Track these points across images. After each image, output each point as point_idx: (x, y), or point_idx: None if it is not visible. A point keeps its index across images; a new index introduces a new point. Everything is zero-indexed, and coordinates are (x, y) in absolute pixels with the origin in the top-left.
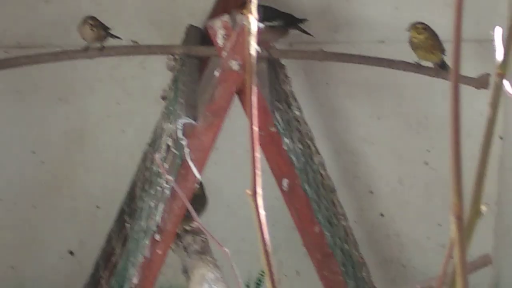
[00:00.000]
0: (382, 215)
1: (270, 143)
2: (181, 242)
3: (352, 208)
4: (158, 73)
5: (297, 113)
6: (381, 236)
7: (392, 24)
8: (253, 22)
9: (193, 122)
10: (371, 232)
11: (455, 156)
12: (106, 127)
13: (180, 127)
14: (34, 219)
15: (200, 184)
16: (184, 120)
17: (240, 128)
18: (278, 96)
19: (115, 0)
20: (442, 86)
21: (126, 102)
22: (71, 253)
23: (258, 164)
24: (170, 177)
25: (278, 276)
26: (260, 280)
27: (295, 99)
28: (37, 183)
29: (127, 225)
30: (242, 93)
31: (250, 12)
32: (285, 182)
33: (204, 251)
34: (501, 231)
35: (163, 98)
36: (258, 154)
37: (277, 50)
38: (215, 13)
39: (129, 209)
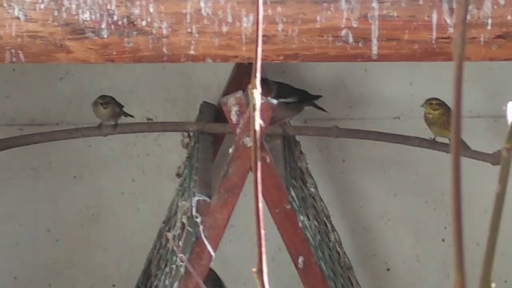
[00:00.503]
0: None
1: (285, 221)
2: None
3: (369, 286)
4: (173, 150)
5: (312, 190)
6: None
7: (407, 100)
8: (257, 97)
9: (207, 199)
10: None
11: (457, 232)
12: (121, 205)
13: (194, 205)
14: None
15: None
16: (198, 197)
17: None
18: (293, 173)
19: (129, 77)
20: None
21: (141, 179)
22: None
23: (263, 242)
24: (183, 256)
25: None
26: None
27: (311, 176)
28: (52, 261)
29: None
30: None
31: (255, 87)
32: (300, 259)
33: None
34: None
35: (178, 175)
36: (263, 231)
37: (291, 126)
38: (229, 90)
39: (146, 286)
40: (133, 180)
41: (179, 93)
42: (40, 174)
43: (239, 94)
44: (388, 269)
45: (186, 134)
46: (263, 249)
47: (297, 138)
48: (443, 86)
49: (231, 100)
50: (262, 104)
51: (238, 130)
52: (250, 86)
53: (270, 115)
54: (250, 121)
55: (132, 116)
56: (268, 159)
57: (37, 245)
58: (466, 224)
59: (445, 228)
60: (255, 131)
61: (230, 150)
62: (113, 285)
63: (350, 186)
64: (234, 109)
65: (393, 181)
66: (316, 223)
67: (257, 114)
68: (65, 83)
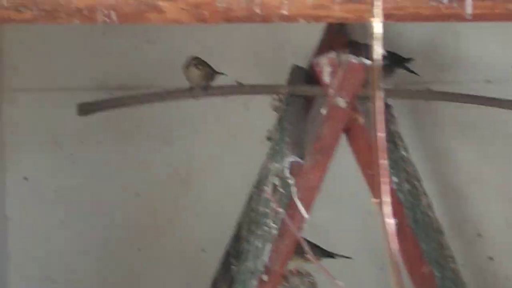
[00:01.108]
0: (490, 258)
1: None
2: (288, 283)
3: (460, 251)
4: (262, 113)
5: (404, 153)
6: (490, 280)
7: (499, 64)
8: (378, 26)
9: (300, 160)
10: (479, 276)
11: None
12: (211, 169)
13: (287, 166)
14: (138, 262)
15: None
16: (291, 158)
17: (345, 169)
18: (388, 137)
19: (219, 40)
20: None
21: (231, 144)
22: None
23: (384, 172)
24: (280, 210)
25: None
26: None
27: (402, 139)
28: (141, 226)
29: (233, 267)
30: (349, 131)
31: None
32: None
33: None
34: None
35: (269, 138)
36: (385, 161)
37: (383, 89)
38: (320, 52)
39: (235, 251)
40: (223, 144)
41: (268, 56)
42: (130, 138)
43: (332, 54)
44: (479, 234)
45: (276, 97)
46: (384, 179)
47: (389, 101)
48: None
49: (324, 60)
50: (355, 64)
51: (330, 91)
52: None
53: (363, 75)
54: (344, 81)
55: (225, 74)
56: (360, 120)
57: (126, 209)
58: None
59: None
60: (375, 60)
61: (323, 111)
62: (203, 250)
63: (441, 150)
64: (326, 70)
65: (485, 144)
66: (408, 186)
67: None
68: (154, 46)
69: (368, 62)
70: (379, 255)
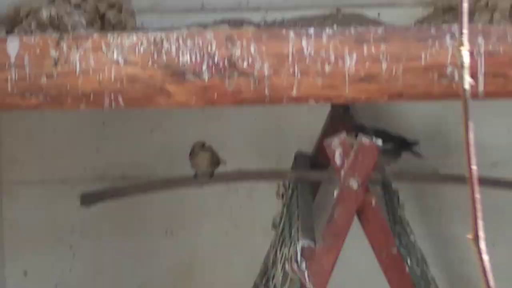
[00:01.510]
0: None
1: (392, 266)
2: None
3: None
4: (266, 202)
5: (412, 238)
6: None
7: (505, 146)
8: (466, 55)
9: (312, 245)
10: None
11: None
12: (214, 260)
13: (299, 250)
14: None
15: None
16: (302, 243)
17: (355, 252)
18: (394, 219)
19: (221, 129)
20: None
21: (234, 234)
22: None
23: (479, 206)
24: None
25: None
26: None
27: (409, 224)
28: None
29: None
30: (361, 213)
31: (463, 45)
32: None
33: None
34: None
35: (274, 226)
36: (478, 195)
37: (391, 173)
38: (325, 137)
39: None
40: (226, 234)
41: (271, 145)
42: (131, 230)
43: (343, 135)
44: None
45: (281, 183)
46: (479, 214)
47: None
48: None
49: (335, 141)
50: (367, 144)
51: (342, 173)
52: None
53: (375, 156)
54: (356, 162)
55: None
56: (373, 202)
57: None
58: None
59: None
60: (465, 90)
61: (335, 193)
62: None
63: (448, 237)
64: (338, 151)
65: (493, 230)
66: (419, 271)
67: (466, 72)
68: (156, 135)
69: (379, 143)
70: None
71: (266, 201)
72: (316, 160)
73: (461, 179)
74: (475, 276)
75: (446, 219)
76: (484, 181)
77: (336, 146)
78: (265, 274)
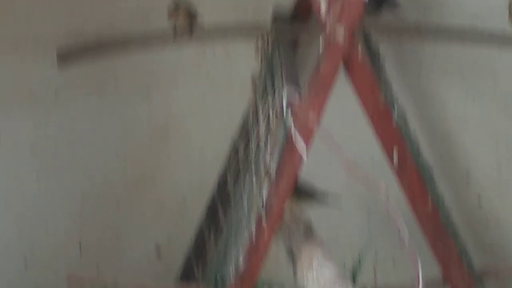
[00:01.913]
0: (480, 199)
1: (378, 116)
2: (283, 229)
3: (448, 193)
4: (243, 62)
5: (393, 94)
6: (480, 221)
7: (483, 7)
8: None
9: (297, 93)
10: (469, 217)
11: None
12: (190, 120)
13: (284, 97)
14: (118, 216)
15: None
16: (288, 91)
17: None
18: (379, 75)
19: None
20: None
21: (211, 93)
22: (158, 249)
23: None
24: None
25: (374, 266)
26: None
27: (389, 82)
28: (120, 179)
29: (220, 216)
30: (348, 65)
31: None
32: (395, 156)
33: (309, 231)
34: None
35: (254, 82)
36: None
37: (372, 26)
38: None
39: (222, 200)
40: (203, 94)
41: (248, 1)
42: (107, 92)
43: None
44: (468, 176)
45: (260, 37)
46: None
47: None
48: None
49: None
50: None
51: (328, 22)
52: None
53: (361, 7)
54: (342, 14)
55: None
56: (360, 54)
57: (105, 162)
58: None
59: None
60: None
61: (320, 46)
62: (184, 201)
63: (428, 93)
64: (323, 2)
65: (472, 86)
66: (403, 124)
67: None
68: None
69: None
70: (366, 199)
71: (244, 60)
72: (296, 14)
73: (444, 32)
74: (454, 131)
75: (426, 76)
76: (466, 36)
77: None
78: (245, 130)
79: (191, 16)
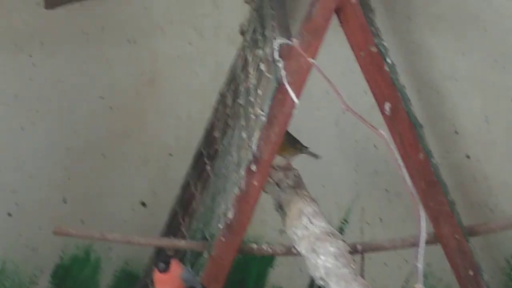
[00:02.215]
0: (468, 156)
1: (370, 64)
2: (272, 179)
3: (437, 148)
4: (230, 10)
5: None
6: (467, 178)
7: None
8: None
9: (289, 42)
10: (456, 174)
11: None
12: (177, 70)
13: (276, 48)
14: (103, 169)
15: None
16: (280, 40)
17: (340, 46)
18: (370, 21)
19: None
20: None
21: (199, 42)
22: (143, 204)
23: None
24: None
25: (361, 224)
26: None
27: (380, 32)
28: (106, 131)
29: (208, 167)
30: (340, 10)
31: None
32: (387, 105)
33: (299, 186)
34: None
35: (242, 32)
36: None
37: None
38: None
39: (209, 151)
40: (190, 43)
41: None
42: (93, 39)
43: None
44: (456, 132)
45: None
46: None
47: None
48: None
49: None
50: None
51: None
52: None
53: None
54: None
55: None
56: (353, 0)
57: (90, 113)
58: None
59: None
60: None
61: None
62: (170, 154)
63: (417, 45)
64: None
65: (461, 39)
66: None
67: None
68: None
69: None
70: (354, 156)
71: (232, 9)
72: None
73: None
74: (442, 84)
75: (414, 27)
76: None
77: None
78: (233, 81)
79: None
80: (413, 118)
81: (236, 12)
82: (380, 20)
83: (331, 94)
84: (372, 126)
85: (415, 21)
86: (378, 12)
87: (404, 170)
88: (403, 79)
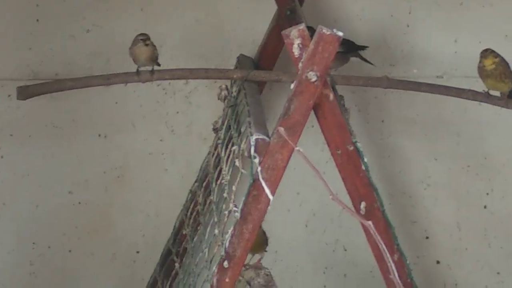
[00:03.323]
0: (438, 262)
1: (347, 163)
2: (243, 277)
3: (407, 253)
4: (204, 108)
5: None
6: (438, 285)
7: (451, 58)
8: None
9: (266, 138)
10: (427, 280)
11: None
12: (148, 166)
13: (253, 144)
14: (69, 265)
15: None
16: (256, 136)
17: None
18: (346, 121)
19: (159, 31)
20: (503, 124)
21: (170, 139)
22: None
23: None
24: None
25: None
26: None
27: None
28: (73, 226)
29: (176, 265)
30: (319, 107)
31: None
32: (362, 205)
33: (270, 285)
34: None
35: (215, 129)
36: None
37: (340, 76)
38: (269, 41)
39: (178, 249)
40: (161, 139)
41: (212, 47)
42: (63, 132)
43: (302, 26)
44: (427, 237)
45: (224, 86)
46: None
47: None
48: (489, 44)
49: (294, 32)
50: (327, 35)
51: (300, 64)
52: None
53: (335, 48)
54: (316, 54)
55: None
56: (331, 97)
57: (57, 209)
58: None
59: (487, 194)
60: None
61: (292, 86)
62: (137, 252)
63: (390, 148)
64: (296, 42)
65: (434, 144)
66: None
67: None
68: (91, 35)
69: (340, 34)
70: (323, 257)
71: (205, 106)
72: (259, 64)
73: (412, 84)
74: (414, 189)
75: (388, 131)
76: (437, 88)
77: (295, 36)
78: (204, 178)
79: (155, 51)
80: (388, 219)
81: (209, 110)
82: (354, 122)
83: (301, 195)
84: (359, 216)
85: (388, 123)
86: (352, 114)
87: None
88: (375, 180)
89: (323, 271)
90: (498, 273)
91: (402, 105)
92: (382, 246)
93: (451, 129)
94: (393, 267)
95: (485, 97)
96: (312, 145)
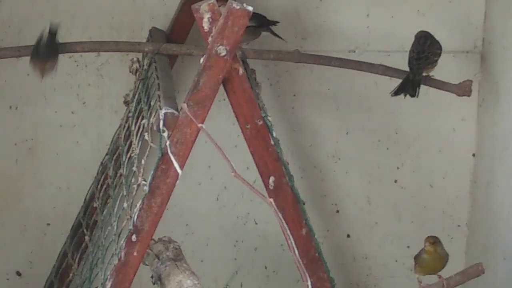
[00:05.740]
0: (348, 236)
1: (256, 137)
2: (152, 250)
3: (318, 228)
4: (116, 80)
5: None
6: (348, 258)
7: (363, 33)
8: None
9: (175, 112)
10: (337, 254)
11: None
12: (59, 138)
13: (162, 118)
14: None
15: None
16: (165, 110)
17: (221, 121)
18: (257, 95)
19: (71, 2)
20: (413, 99)
21: (82, 111)
22: (19, 273)
23: None
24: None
25: None
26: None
27: (264, 106)
28: None
29: (87, 237)
30: (228, 82)
31: None
32: (271, 179)
33: (178, 258)
34: (473, 253)
35: (126, 102)
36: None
37: (251, 50)
38: (180, 15)
39: (88, 221)
40: (72, 112)
41: (124, 19)
42: None
43: (212, 1)
44: (337, 211)
45: (135, 59)
46: None
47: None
48: (400, 19)
49: (204, 6)
50: (237, 10)
51: (210, 39)
52: None
53: (245, 22)
54: (225, 28)
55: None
56: (241, 71)
57: None
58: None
59: (397, 168)
60: None
61: (201, 60)
62: (48, 224)
63: (301, 122)
64: (206, 16)
65: (346, 118)
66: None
67: None
68: (3, 6)
69: (250, 8)
70: (233, 231)
71: (116, 79)
72: (171, 37)
73: (323, 58)
74: (325, 163)
75: (300, 105)
76: (348, 63)
77: (205, 10)
78: (115, 151)
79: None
80: (297, 194)
81: (120, 82)
82: (266, 96)
83: (212, 169)
84: (261, 193)
85: (300, 98)
86: (264, 89)
87: (292, 241)
88: (287, 156)
89: (234, 244)
90: (408, 247)
91: (313, 79)
92: (283, 224)
93: (363, 103)
94: (294, 244)
95: (396, 72)
96: (224, 118)
